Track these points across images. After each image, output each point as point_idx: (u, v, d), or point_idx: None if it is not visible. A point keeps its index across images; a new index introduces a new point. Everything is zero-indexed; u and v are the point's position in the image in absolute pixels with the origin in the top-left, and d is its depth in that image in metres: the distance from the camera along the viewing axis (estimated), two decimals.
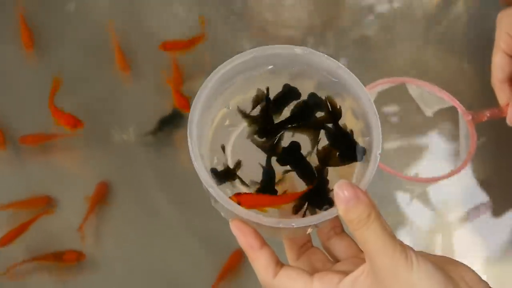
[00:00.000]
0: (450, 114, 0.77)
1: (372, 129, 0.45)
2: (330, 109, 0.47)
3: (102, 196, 0.90)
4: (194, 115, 0.45)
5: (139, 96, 0.96)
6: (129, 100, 0.96)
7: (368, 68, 0.89)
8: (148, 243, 0.88)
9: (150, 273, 0.85)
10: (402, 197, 0.88)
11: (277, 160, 0.47)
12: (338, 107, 0.47)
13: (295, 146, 0.47)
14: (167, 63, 0.96)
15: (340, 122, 0.47)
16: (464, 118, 0.76)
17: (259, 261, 0.43)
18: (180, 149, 0.93)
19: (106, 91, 0.96)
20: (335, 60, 0.47)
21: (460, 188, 0.88)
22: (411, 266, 0.38)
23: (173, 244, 0.87)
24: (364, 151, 0.46)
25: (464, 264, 0.42)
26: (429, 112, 0.81)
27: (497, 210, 0.87)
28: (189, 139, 0.44)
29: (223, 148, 0.47)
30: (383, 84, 0.81)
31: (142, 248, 0.87)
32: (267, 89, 0.48)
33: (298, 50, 0.47)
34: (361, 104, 0.46)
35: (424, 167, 0.89)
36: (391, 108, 0.90)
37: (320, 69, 0.48)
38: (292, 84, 0.48)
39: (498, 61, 0.70)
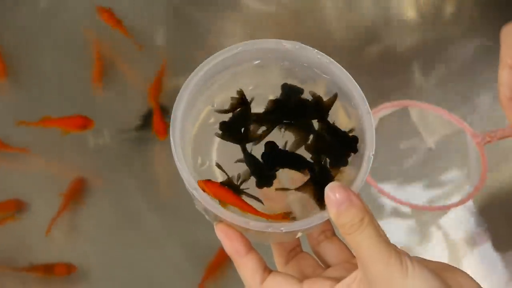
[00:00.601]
0: (457, 137, 0.74)
1: (365, 129, 0.42)
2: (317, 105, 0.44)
3: (77, 192, 0.86)
4: (177, 113, 0.42)
5: (116, 100, 0.94)
6: (106, 104, 0.93)
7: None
8: (129, 249, 0.84)
9: (131, 279, 0.82)
10: (406, 225, 0.83)
11: (265, 164, 0.43)
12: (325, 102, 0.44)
13: (272, 145, 0.43)
14: (148, 68, 0.93)
15: (332, 121, 0.44)
16: (473, 141, 0.72)
17: (246, 267, 0.41)
18: (161, 149, 0.89)
19: (81, 95, 0.93)
20: (326, 56, 0.44)
21: (468, 214, 0.83)
22: (406, 272, 0.36)
23: (155, 249, 0.83)
24: (356, 140, 0.43)
25: (462, 271, 0.39)
26: (430, 142, 0.78)
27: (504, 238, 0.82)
28: (171, 139, 0.41)
29: (218, 166, 0.43)
30: (385, 109, 0.78)
31: (123, 254, 0.83)
32: (240, 91, 0.45)
33: (287, 44, 0.44)
34: (354, 102, 0.44)
35: (433, 194, 0.84)
36: (396, 135, 0.86)
37: (311, 65, 0.45)
38: (280, 80, 0.45)
39: (505, 78, 0.66)
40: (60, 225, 0.84)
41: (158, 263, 0.83)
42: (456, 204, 0.76)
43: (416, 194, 0.83)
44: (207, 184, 0.41)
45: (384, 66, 0.92)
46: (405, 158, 0.84)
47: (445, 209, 0.78)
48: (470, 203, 0.77)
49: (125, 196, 0.86)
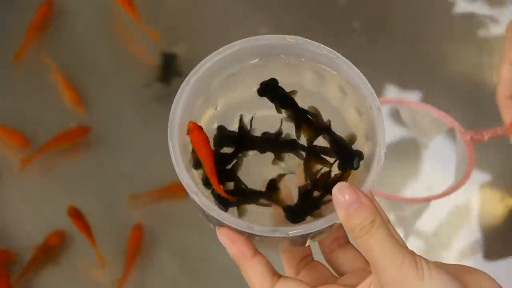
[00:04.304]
0: (447, 134, 0.73)
1: (375, 126, 0.41)
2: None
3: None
4: (175, 115, 0.41)
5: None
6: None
7: None
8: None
9: None
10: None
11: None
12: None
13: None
14: None
15: (343, 121, 0.44)
16: (462, 139, 0.72)
17: (253, 271, 0.39)
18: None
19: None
20: (333, 51, 0.43)
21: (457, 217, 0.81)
22: (422, 276, 0.34)
23: (151, 262, 0.80)
24: (361, 156, 0.42)
25: (484, 273, 0.38)
26: (419, 140, 0.77)
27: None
28: (169, 143, 0.40)
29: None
30: None
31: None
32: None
33: (291, 39, 0.43)
34: (364, 98, 0.42)
35: (414, 189, 0.83)
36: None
37: (317, 60, 0.43)
38: (287, 78, 0.44)
39: (505, 74, 0.65)
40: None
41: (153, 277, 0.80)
42: (437, 196, 0.74)
43: (398, 188, 0.82)
44: (195, 130, 0.40)
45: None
46: (392, 156, 0.82)
47: (423, 201, 0.77)
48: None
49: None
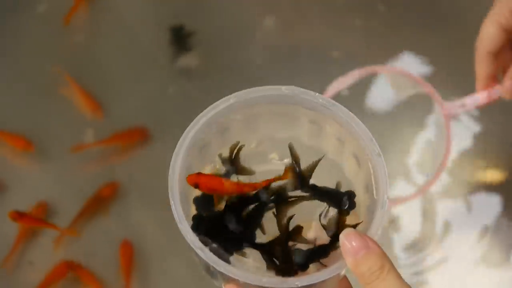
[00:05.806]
0: (425, 105, 0.72)
1: (377, 172, 0.41)
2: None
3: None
4: (175, 170, 0.40)
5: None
6: None
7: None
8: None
9: None
10: None
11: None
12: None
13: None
14: None
15: (341, 173, 0.44)
16: (441, 113, 0.71)
17: None
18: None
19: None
20: (328, 99, 0.42)
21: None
22: None
23: (158, 268, 0.80)
24: (352, 194, 0.43)
25: None
26: (402, 95, 0.76)
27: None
28: (171, 199, 0.40)
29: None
30: (353, 77, 0.75)
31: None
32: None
33: (286, 90, 0.42)
34: (361, 144, 0.42)
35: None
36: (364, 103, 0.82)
37: (315, 109, 0.43)
38: (282, 131, 0.45)
39: (490, 34, 0.62)
40: None
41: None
42: (412, 197, 0.73)
43: None
44: (199, 177, 0.40)
45: None
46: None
47: (400, 202, 0.75)
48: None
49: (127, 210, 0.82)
